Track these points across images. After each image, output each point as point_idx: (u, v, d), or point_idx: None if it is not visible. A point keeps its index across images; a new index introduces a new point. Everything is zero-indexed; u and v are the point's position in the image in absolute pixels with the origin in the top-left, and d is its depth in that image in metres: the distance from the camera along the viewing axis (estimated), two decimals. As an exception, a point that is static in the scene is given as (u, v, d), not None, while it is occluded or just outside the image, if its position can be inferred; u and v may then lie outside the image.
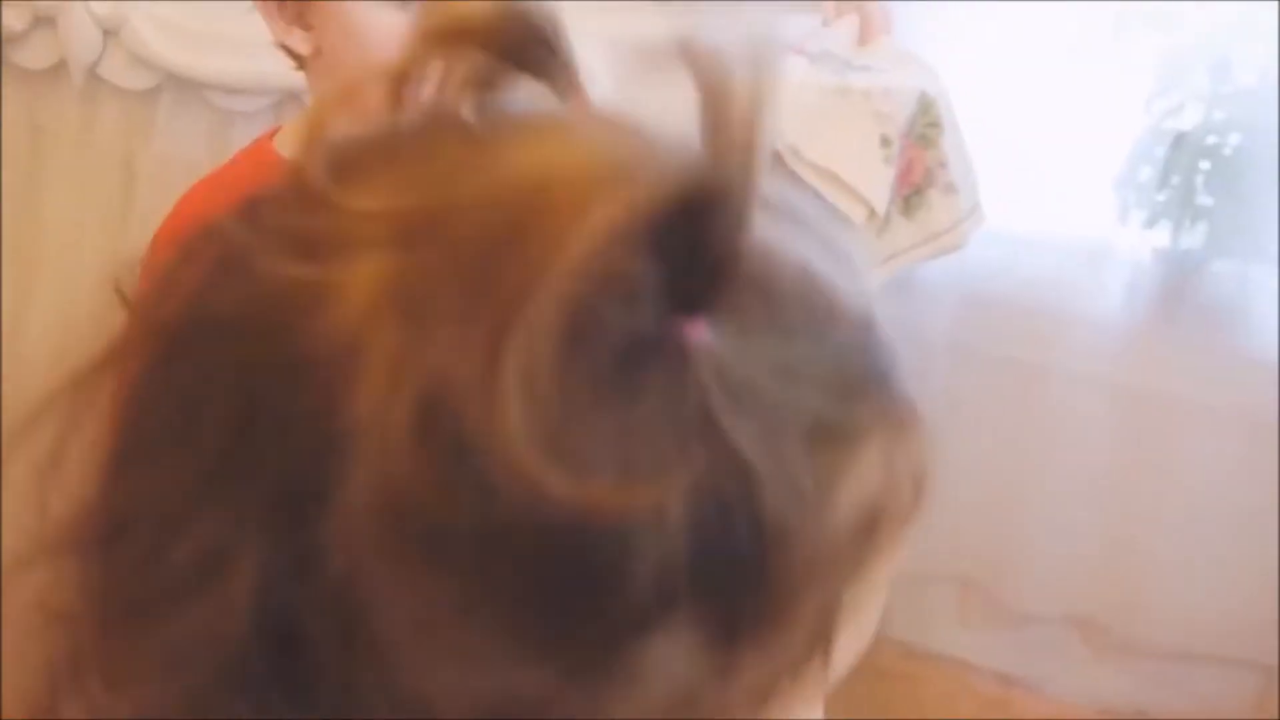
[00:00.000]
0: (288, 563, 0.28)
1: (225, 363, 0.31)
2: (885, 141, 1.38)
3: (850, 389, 0.33)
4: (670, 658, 0.28)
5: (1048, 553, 1.78)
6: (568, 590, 0.27)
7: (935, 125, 1.44)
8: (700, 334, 0.29)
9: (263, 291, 0.31)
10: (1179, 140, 1.57)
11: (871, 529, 0.33)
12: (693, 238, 0.28)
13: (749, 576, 0.29)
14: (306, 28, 0.86)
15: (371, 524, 0.27)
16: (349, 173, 0.32)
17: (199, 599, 0.29)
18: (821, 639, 0.32)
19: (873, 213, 1.39)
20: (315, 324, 0.29)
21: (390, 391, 0.27)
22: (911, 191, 1.46)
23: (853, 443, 0.33)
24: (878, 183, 1.38)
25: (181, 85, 1.35)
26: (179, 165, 1.35)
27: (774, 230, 0.32)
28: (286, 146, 0.90)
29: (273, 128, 0.95)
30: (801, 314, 0.32)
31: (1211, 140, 1.58)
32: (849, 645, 0.35)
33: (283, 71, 1.27)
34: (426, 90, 0.33)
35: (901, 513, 0.34)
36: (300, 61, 0.88)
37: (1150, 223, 1.62)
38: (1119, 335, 1.68)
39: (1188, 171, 1.59)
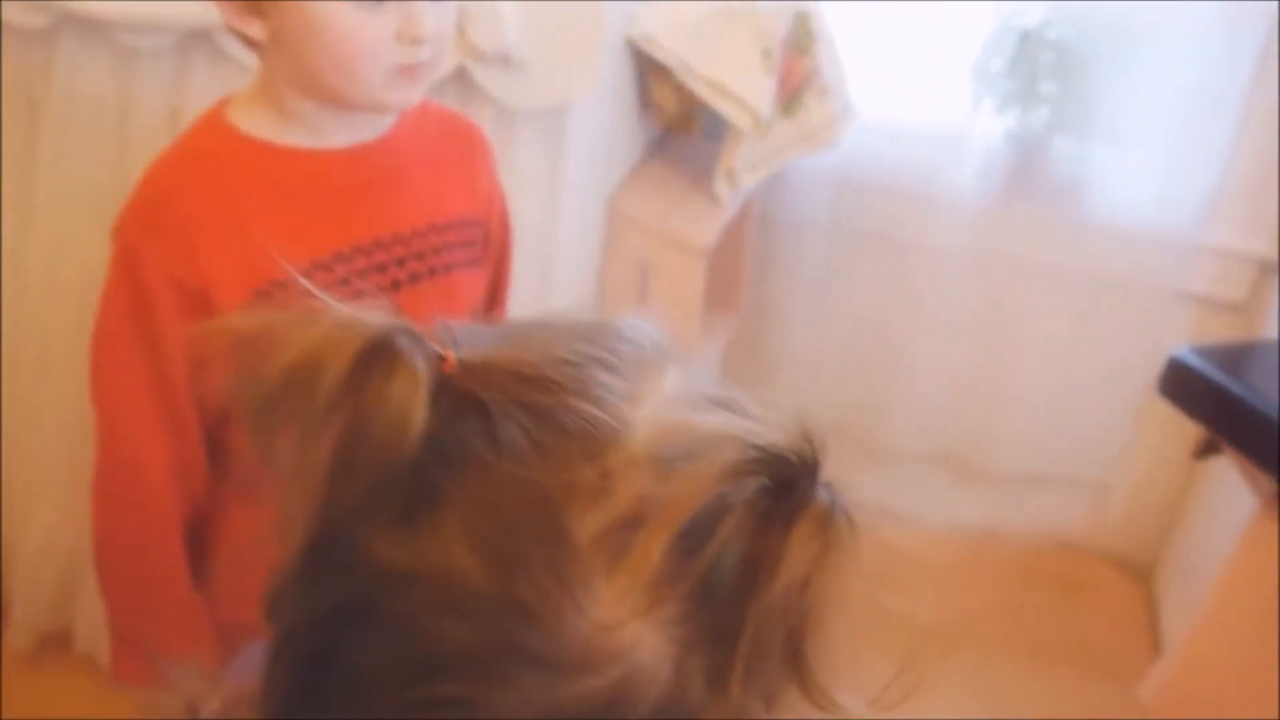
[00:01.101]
0: None
1: None
2: (766, 53, 1.52)
3: None
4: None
5: (914, 400, 1.99)
6: None
7: (810, 36, 1.58)
8: None
9: None
10: (1025, 35, 1.74)
11: None
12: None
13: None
14: (261, 15, 0.86)
15: None
16: None
17: None
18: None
19: (757, 119, 1.54)
20: None
21: None
22: (790, 96, 1.61)
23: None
24: (761, 91, 1.53)
25: (82, 24, 1.31)
26: (85, 103, 1.36)
27: None
28: (240, 118, 0.93)
29: (223, 98, 0.96)
30: None
31: (1053, 35, 1.75)
32: None
33: (185, 10, 1.29)
34: None
35: None
36: (254, 46, 0.89)
37: (1000, 109, 1.80)
38: (975, 210, 1.85)
39: (1032, 62, 1.76)
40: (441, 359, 0.43)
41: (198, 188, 0.89)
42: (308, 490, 0.42)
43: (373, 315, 0.43)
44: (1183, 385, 0.95)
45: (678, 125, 1.70)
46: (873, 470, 2.07)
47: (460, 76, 1.29)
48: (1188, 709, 0.93)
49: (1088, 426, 1.98)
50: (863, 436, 2.06)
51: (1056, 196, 1.85)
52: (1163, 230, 1.83)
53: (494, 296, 1.09)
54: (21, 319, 1.45)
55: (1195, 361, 0.94)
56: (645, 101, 1.64)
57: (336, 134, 0.91)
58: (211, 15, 1.23)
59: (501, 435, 0.41)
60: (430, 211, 0.96)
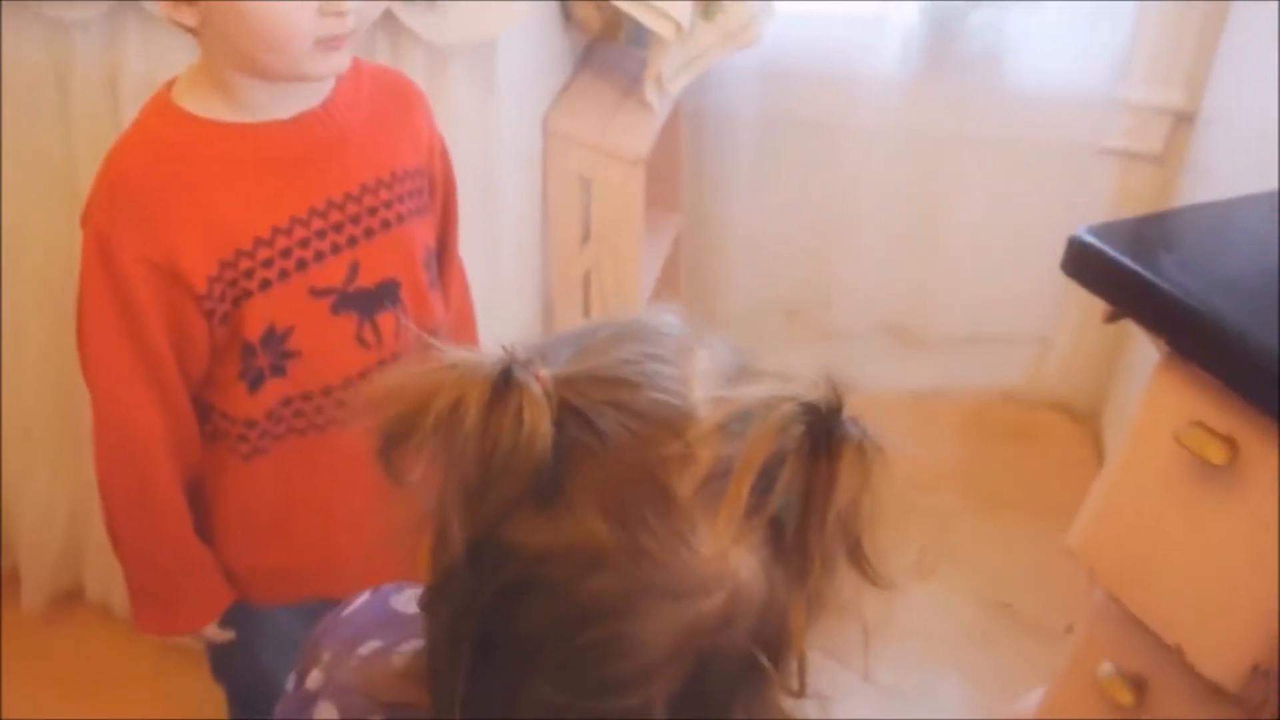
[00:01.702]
0: None
1: None
2: (681, -38, 1.57)
3: None
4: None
5: (858, 276, 2.07)
6: None
7: (723, -62, 1.62)
8: None
9: None
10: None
11: None
12: None
13: None
14: (192, 4, 0.90)
15: None
16: None
17: None
18: None
19: (679, 27, 1.58)
20: None
21: None
22: (709, -1, 1.65)
23: None
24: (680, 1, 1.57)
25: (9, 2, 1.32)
26: (21, 74, 1.38)
27: None
28: (186, 100, 0.98)
29: (166, 81, 1.00)
30: None
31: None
32: None
33: None
34: None
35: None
36: (190, 32, 0.93)
37: (917, -15, 1.84)
38: (899, 87, 1.91)
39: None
40: (541, 379, 0.52)
41: (155, 171, 0.95)
42: (460, 503, 0.52)
43: (487, 355, 0.53)
44: (1082, 264, 1.03)
45: (602, 36, 1.74)
46: (825, 345, 2.17)
47: (388, 19, 1.33)
48: (1109, 553, 1.04)
49: (1023, 284, 2.06)
50: (813, 315, 2.15)
51: (976, 67, 1.91)
52: (1080, 90, 1.90)
53: (444, 237, 1.15)
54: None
55: (1092, 241, 1.03)
56: (567, 17, 1.68)
57: (278, 106, 0.96)
58: None
59: (600, 429, 0.52)
60: (377, 168, 1.01)
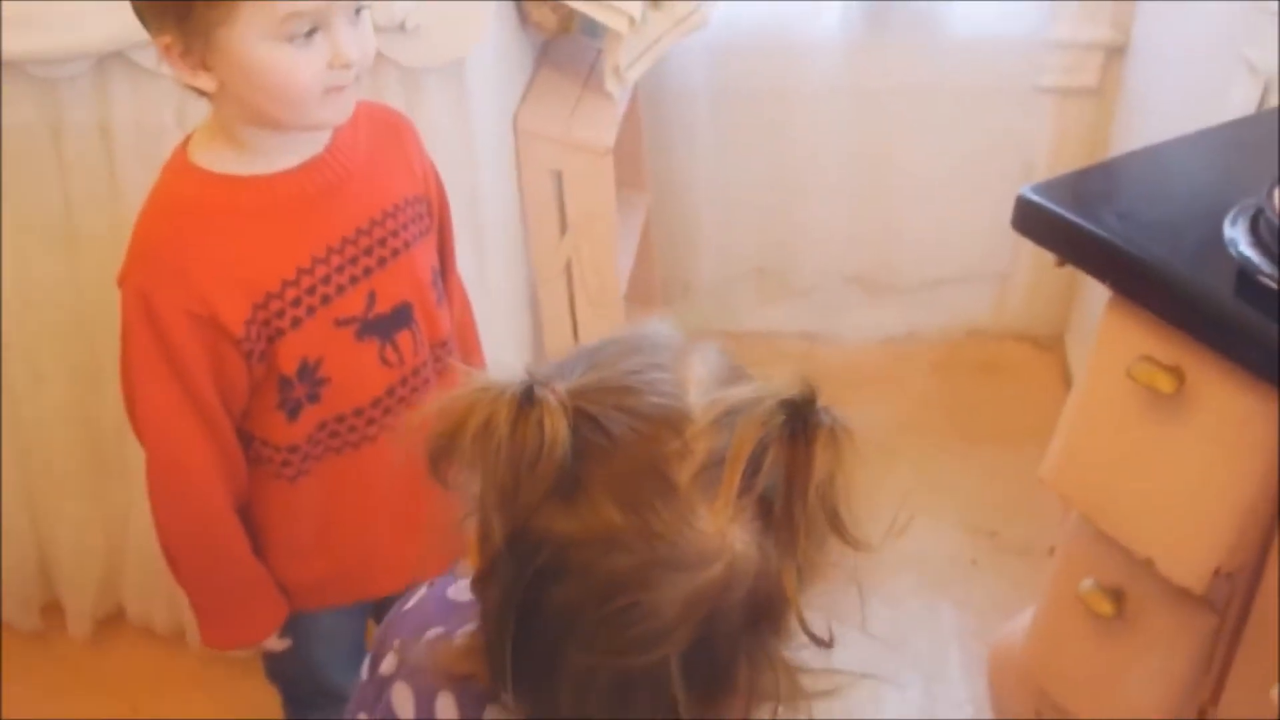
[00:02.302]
0: None
1: None
2: (630, -42, 1.64)
3: None
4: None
5: (821, 233, 2.16)
6: None
7: (664, -70, 1.70)
8: None
9: None
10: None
11: None
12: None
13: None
14: (208, 68, 0.98)
15: None
16: None
17: None
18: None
19: (631, 20, 1.66)
20: None
21: None
22: (657, -11, 1.73)
23: None
24: (631, -6, 1.65)
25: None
26: (16, 131, 1.44)
27: None
28: (203, 159, 1.04)
29: (182, 142, 1.07)
30: None
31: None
32: None
33: (101, 36, 1.38)
34: None
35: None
36: (206, 95, 1.01)
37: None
38: (843, 49, 1.99)
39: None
40: (556, 392, 0.62)
41: (184, 229, 1.02)
42: (497, 502, 0.61)
43: (511, 376, 0.62)
44: (1030, 221, 1.13)
45: (558, 32, 1.82)
46: (796, 302, 2.27)
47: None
48: (1079, 480, 1.15)
49: (979, 224, 2.15)
50: (782, 274, 2.25)
51: (914, 21, 1.99)
52: (1014, 33, 1.99)
53: (443, 252, 1.23)
54: (8, 338, 1.56)
55: (1036, 199, 1.12)
56: (524, 19, 1.75)
57: (287, 156, 1.04)
58: (121, 34, 1.35)
59: (611, 431, 0.61)
60: (381, 201, 1.10)
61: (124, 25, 1.32)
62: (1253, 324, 0.97)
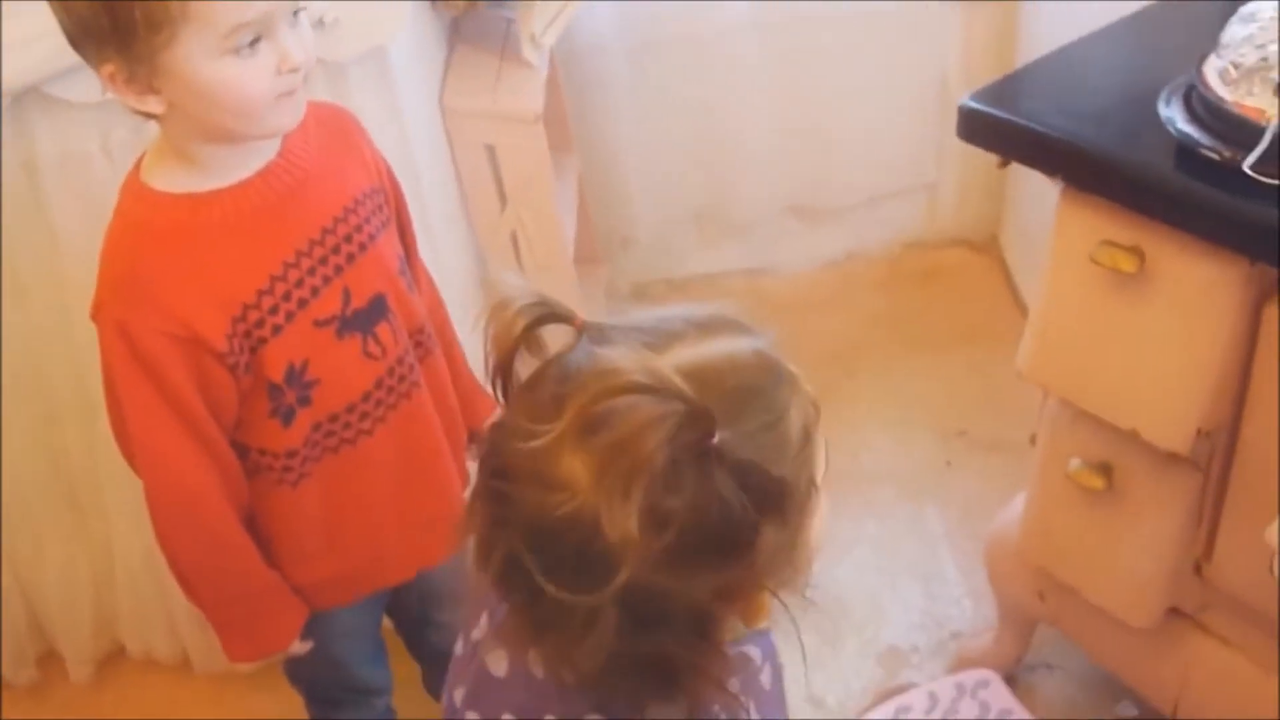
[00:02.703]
0: None
1: None
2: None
3: (779, 394, 0.70)
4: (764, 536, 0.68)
5: (754, 168, 2.19)
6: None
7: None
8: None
9: None
10: None
11: (809, 434, 0.72)
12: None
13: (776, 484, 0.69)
14: (155, 91, 0.96)
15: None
16: None
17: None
18: (812, 492, 0.72)
19: (543, -15, 1.66)
20: None
21: None
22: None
23: (789, 407, 0.71)
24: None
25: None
26: None
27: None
28: (159, 181, 1.03)
29: (133, 166, 1.06)
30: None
31: None
32: (824, 507, 0.74)
33: (12, 72, 1.35)
34: None
35: (814, 420, 0.73)
36: (155, 118, 1.00)
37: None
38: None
39: None
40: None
41: (150, 253, 1.02)
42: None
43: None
44: (974, 128, 1.16)
45: (466, 8, 1.81)
46: (736, 240, 2.29)
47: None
48: (1056, 368, 1.19)
49: (904, 138, 2.20)
50: (719, 215, 2.27)
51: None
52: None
53: (405, 239, 1.23)
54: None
55: (978, 106, 1.15)
56: (434, -2, 1.74)
57: (245, 166, 1.04)
58: (34, 68, 1.33)
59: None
60: (342, 197, 1.10)
61: (36, 60, 1.31)
62: (1203, 196, 1.01)
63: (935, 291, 2.27)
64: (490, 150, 1.75)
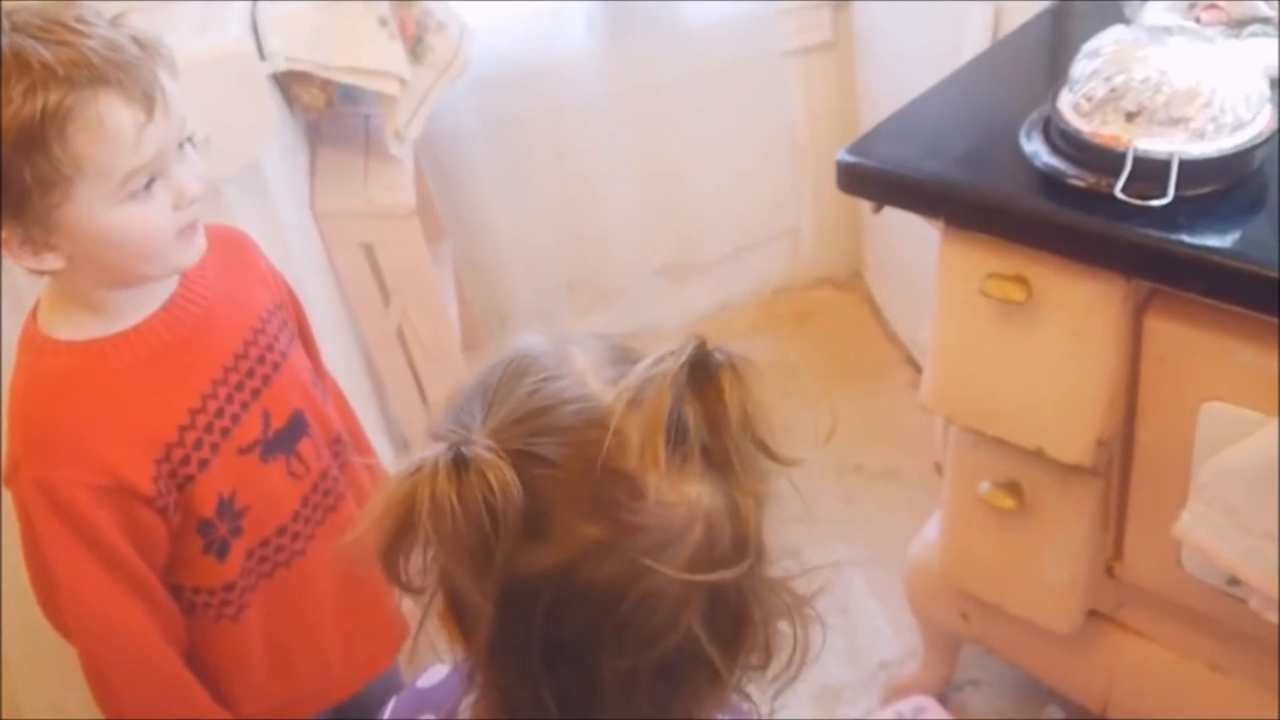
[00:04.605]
0: None
1: None
2: (383, 21, 1.65)
3: None
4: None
5: (620, 234, 2.23)
6: None
7: (409, -14, 1.72)
8: None
9: None
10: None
11: None
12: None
13: None
14: (52, 248, 0.93)
15: None
16: None
17: None
18: None
19: (403, 81, 1.68)
20: None
21: None
22: (414, 44, 1.75)
23: None
24: (395, 56, 1.66)
25: None
26: None
27: None
28: (60, 330, 0.99)
29: (28, 319, 1.02)
30: None
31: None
32: None
33: None
34: None
35: None
36: (49, 274, 0.96)
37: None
38: (597, 58, 2.05)
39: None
40: (485, 445, 0.62)
41: (63, 406, 0.98)
42: (474, 569, 0.62)
43: (434, 449, 0.61)
44: (852, 180, 1.21)
45: (324, 109, 1.81)
46: (610, 306, 2.32)
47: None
48: (958, 397, 1.24)
49: (762, 189, 2.28)
50: (591, 283, 2.30)
51: (654, 18, 2.07)
52: (747, 9, 2.10)
53: (309, 349, 1.22)
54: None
55: (853, 160, 1.21)
56: (292, 102, 1.74)
57: (147, 304, 1.02)
58: None
59: (547, 456, 0.62)
60: (249, 319, 1.09)
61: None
62: (1077, 222, 1.08)
63: (808, 332, 2.34)
64: (368, 249, 1.75)
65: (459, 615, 0.66)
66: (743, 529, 0.64)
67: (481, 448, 0.61)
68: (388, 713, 0.82)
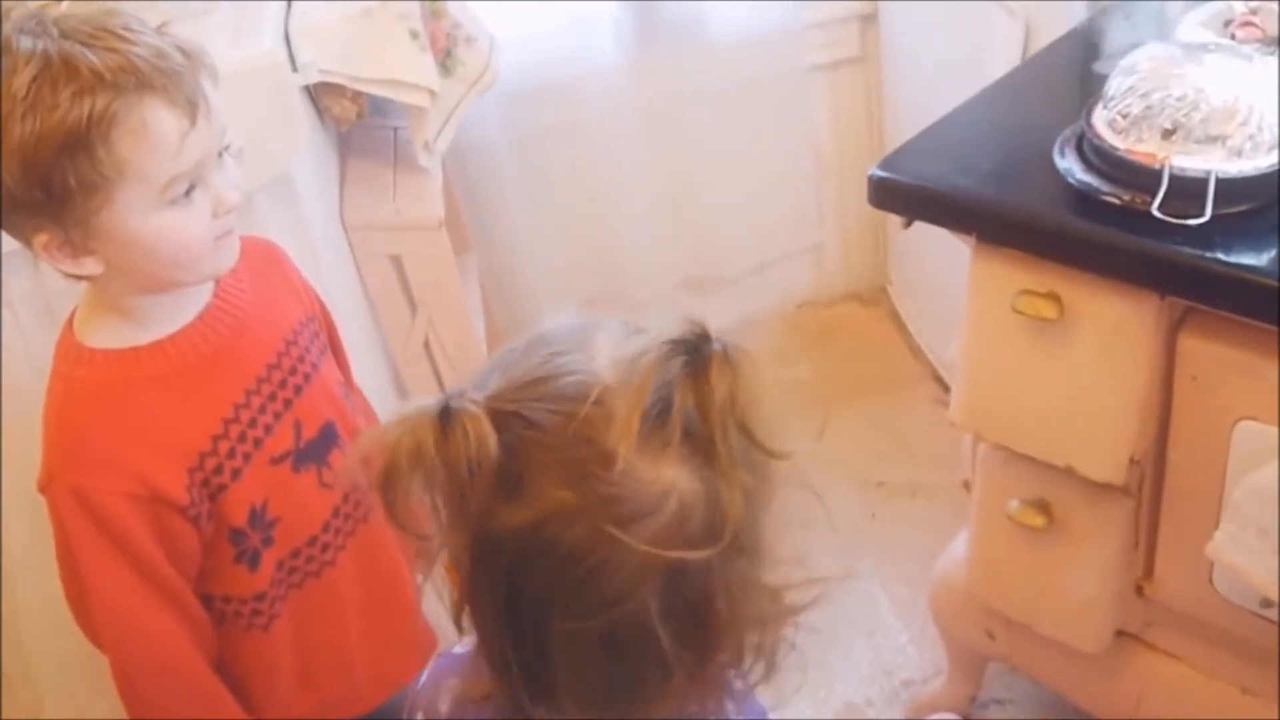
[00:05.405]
0: None
1: None
2: (414, 34, 1.66)
3: None
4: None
5: (644, 247, 2.23)
6: None
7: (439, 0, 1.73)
8: None
9: None
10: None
11: None
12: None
13: None
14: (91, 252, 0.94)
15: None
16: None
17: None
18: None
19: (432, 93, 1.68)
20: None
21: None
22: (444, 57, 1.76)
23: None
24: (426, 68, 1.67)
25: None
26: None
27: None
28: (95, 339, 1.00)
29: (64, 328, 1.03)
30: None
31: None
32: None
33: None
34: None
35: None
36: (87, 279, 0.97)
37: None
38: (623, 70, 2.06)
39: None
40: (473, 400, 0.65)
41: (102, 414, 0.99)
42: (452, 519, 0.64)
43: (426, 400, 0.64)
44: (884, 196, 1.21)
45: (355, 121, 1.82)
46: (636, 316, 2.32)
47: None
48: (987, 415, 1.24)
49: (787, 203, 2.28)
50: (615, 296, 2.30)
51: (681, 30, 2.08)
52: (776, 22, 2.10)
53: (339, 361, 1.23)
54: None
55: (886, 175, 1.21)
56: (323, 113, 1.75)
57: (182, 313, 1.03)
58: None
59: (534, 420, 0.64)
60: (282, 330, 1.09)
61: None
62: (1111, 239, 1.08)
63: (832, 347, 2.33)
64: (396, 260, 1.75)
65: (456, 564, 0.69)
66: (720, 517, 0.65)
67: (469, 403, 0.64)
68: (423, 679, 0.83)
